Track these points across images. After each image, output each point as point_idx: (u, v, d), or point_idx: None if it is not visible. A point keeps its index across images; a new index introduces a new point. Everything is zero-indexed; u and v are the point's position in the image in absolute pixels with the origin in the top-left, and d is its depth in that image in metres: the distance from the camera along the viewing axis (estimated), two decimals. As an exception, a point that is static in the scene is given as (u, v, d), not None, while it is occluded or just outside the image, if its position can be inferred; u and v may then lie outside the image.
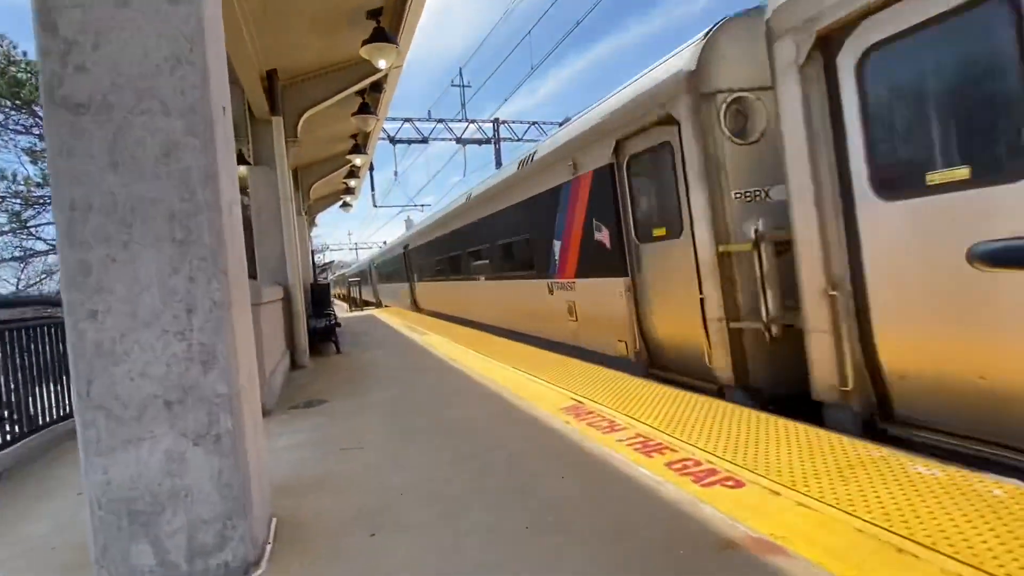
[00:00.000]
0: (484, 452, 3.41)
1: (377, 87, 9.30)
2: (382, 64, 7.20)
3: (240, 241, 2.46)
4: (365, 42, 6.74)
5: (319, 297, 11.88)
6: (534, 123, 31.53)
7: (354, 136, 12.28)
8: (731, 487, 2.60)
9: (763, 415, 3.59)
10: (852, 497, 2.37)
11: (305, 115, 8.16)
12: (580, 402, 4.38)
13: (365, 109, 9.62)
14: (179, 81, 2.11)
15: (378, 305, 27.16)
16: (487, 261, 10.85)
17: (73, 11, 2.02)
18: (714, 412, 3.76)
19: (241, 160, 9.24)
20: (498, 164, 32.11)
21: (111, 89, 2.06)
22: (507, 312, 9.96)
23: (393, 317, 16.23)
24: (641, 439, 3.36)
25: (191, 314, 2.13)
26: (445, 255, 14.25)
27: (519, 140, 32.21)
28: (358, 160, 12.70)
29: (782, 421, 3.44)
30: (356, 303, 23.19)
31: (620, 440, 3.37)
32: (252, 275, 11.68)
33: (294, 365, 7.72)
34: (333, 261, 67.00)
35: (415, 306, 19.72)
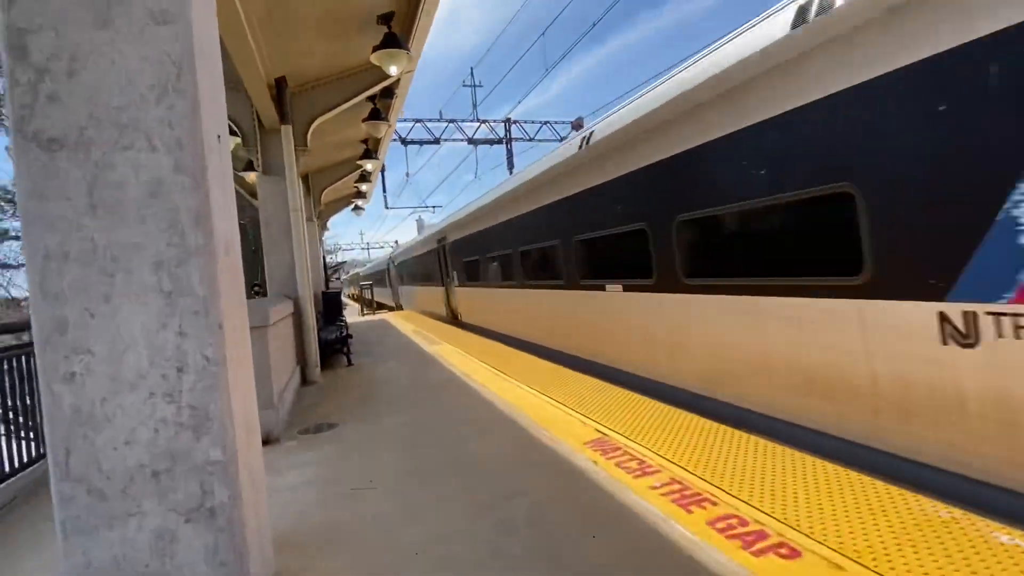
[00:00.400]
0: (504, 501, 3.15)
1: (388, 92, 9.08)
2: (393, 71, 6.96)
3: (240, 285, 2.22)
4: (376, 48, 6.50)
5: (330, 306, 11.71)
6: (546, 122, 31.20)
7: (365, 141, 12.08)
8: (785, 557, 2.31)
9: (819, 461, 3.28)
10: (930, 577, 2.07)
11: (315, 123, 7.95)
12: (605, 435, 4.10)
13: (376, 115, 9.41)
14: (166, 112, 1.87)
15: (396, 308, 26.38)
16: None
17: (45, 34, 1.78)
18: (755, 450, 3.46)
19: (249, 168, 9.06)
20: (510, 165, 31.86)
21: (89, 122, 1.82)
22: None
23: (405, 323, 16.03)
24: (677, 487, 3.08)
25: (181, 373, 1.89)
26: (514, 249, 9.50)
27: (531, 140, 31.94)
28: (369, 165, 12.50)
29: (841, 469, 3.13)
30: (370, 306, 22.96)
31: (654, 488, 3.09)
32: (261, 287, 11.51)
33: (304, 380, 7.52)
34: (345, 262, 67.24)
35: (453, 317, 15.21)
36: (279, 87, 7.41)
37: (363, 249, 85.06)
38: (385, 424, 5.12)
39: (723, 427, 3.99)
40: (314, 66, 7.61)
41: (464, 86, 31.82)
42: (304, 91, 8.01)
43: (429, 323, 15.46)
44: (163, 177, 1.87)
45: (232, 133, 7.81)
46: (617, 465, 3.48)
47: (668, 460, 3.47)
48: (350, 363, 8.85)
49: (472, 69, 33.15)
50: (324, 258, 17.21)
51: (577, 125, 33.59)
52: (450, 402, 5.73)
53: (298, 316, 7.47)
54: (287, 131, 7.43)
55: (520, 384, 6.13)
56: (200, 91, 1.91)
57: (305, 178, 13.59)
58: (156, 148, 1.86)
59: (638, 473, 3.32)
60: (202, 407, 1.90)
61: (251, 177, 9.18)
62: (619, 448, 3.79)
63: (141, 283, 1.86)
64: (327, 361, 8.92)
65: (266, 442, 4.71)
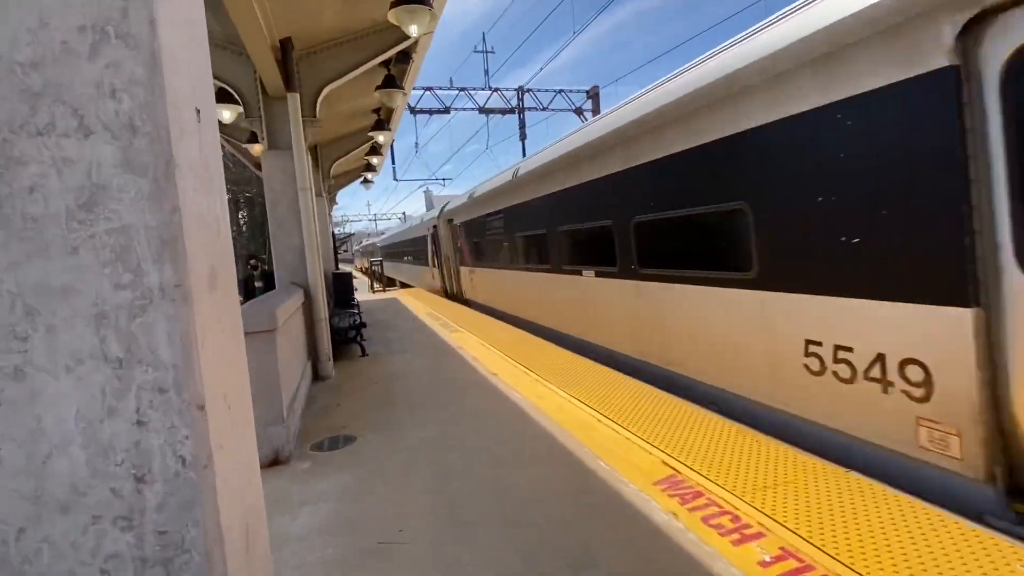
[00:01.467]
0: (569, 574, 2.51)
1: (405, 56, 8.23)
2: (413, 31, 6.13)
3: (237, 328, 1.54)
4: (393, 4, 5.67)
5: (342, 288, 11.07)
6: (560, 91, 29.98)
7: (377, 111, 11.24)
8: None
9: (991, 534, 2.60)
10: None
11: (324, 90, 7.14)
12: (676, 471, 3.45)
13: (391, 82, 8.58)
14: (104, 72, 1.16)
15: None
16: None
17: None
18: (905, 512, 2.79)
19: (253, 140, 8.29)
20: (522, 135, 30.75)
21: (-22, 88, 1.11)
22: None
23: (416, 302, 15.41)
24: (794, 563, 2.42)
25: (142, 484, 1.22)
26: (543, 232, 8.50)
27: (544, 109, 30.79)
28: (381, 137, 11.66)
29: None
30: (381, 281, 22.26)
31: (763, 563, 2.44)
32: (258, 265, 10.83)
33: (316, 376, 6.92)
34: (353, 234, 66.46)
35: (460, 298, 15.12)
36: (284, 50, 6.59)
37: (371, 220, 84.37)
38: (410, 440, 4.49)
39: (859, 477, 3.31)
40: (323, 26, 6.77)
41: (476, 52, 30.61)
42: (313, 55, 7.19)
43: (441, 303, 14.83)
44: (105, 179, 1.17)
45: (232, 100, 7.05)
46: (704, 522, 2.83)
47: (773, 519, 2.80)
48: (364, 353, 8.24)
49: (484, 34, 31.71)
50: (333, 234, 16.51)
51: (593, 94, 32.30)
52: (479, 409, 5.09)
53: (308, 306, 6.82)
54: (294, 99, 6.65)
55: (555, 388, 5.48)
56: (161, 37, 1.19)
57: (314, 150, 12.81)
58: (91, 131, 1.16)
59: (736, 538, 2.66)
60: (176, 533, 1.25)
61: (256, 149, 8.43)
62: (699, 492, 3.14)
63: (74, 347, 1.18)
64: (340, 351, 8.32)
65: (275, 463, 4.11)
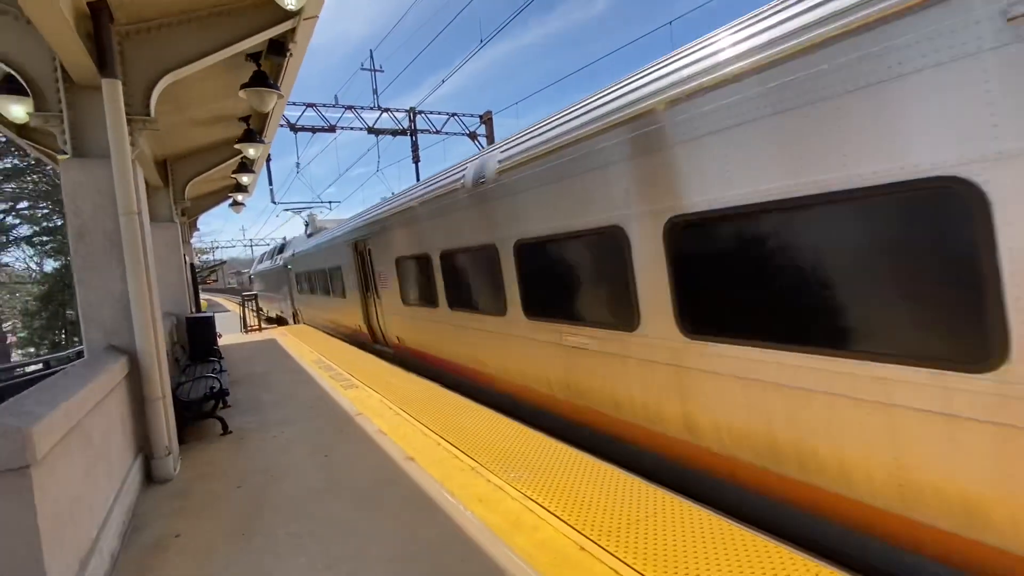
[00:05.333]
0: None
1: (279, 48, 6.50)
2: (292, 3, 4.54)
3: None
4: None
5: (201, 337, 8.75)
6: (453, 114, 29.27)
7: (246, 119, 9.22)
8: None
9: None
10: None
11: (163, 81, 5.21)
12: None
13: (261, 79, 6.78)
14: None
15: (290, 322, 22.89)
16: None
17: None
18: None
19: (45, 147, 6.11)
20: (415, 157, 29.29)
21: None
22: None
23: (301, 345, 13.14)
24: None
25: None
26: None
27: (437, 132, 29.83)
28: (252, 150, 9.57)
29: None
30: (266, 319, 19.12)
31: None
32: (67, 343, 8.18)
33: (150, 478, 4.84)
34: (224, 261, 59.80)
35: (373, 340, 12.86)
36: (98, 20, 4.65)
37: (245, 246, 77.23)
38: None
39: None
40: (160, -9, 4.93)
41: (363, 69, 28.89)
42: (146, 32, 5.25)
43: (331, 345, 12.74)
44: None
45: (14, 89, 4.91)
46: None
47: None
48: (226, 430, 6.19)
49: (372, 52, 29.93)
50: (192, 268, 13.73)
51: (487, 119, 31.84)
52: (401, 533, 3.50)
53: (135, 381, 4.77)
54: (113, 88, 4.68)
55: (503, 484, 4.04)
56: None
57: (163, 165, 10.36)
58: None
59: None
60: None
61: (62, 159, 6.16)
62: None
63: None
64: (192, 427, 6.19)
65: None
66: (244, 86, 6.72)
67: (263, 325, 18.71)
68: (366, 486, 4.35)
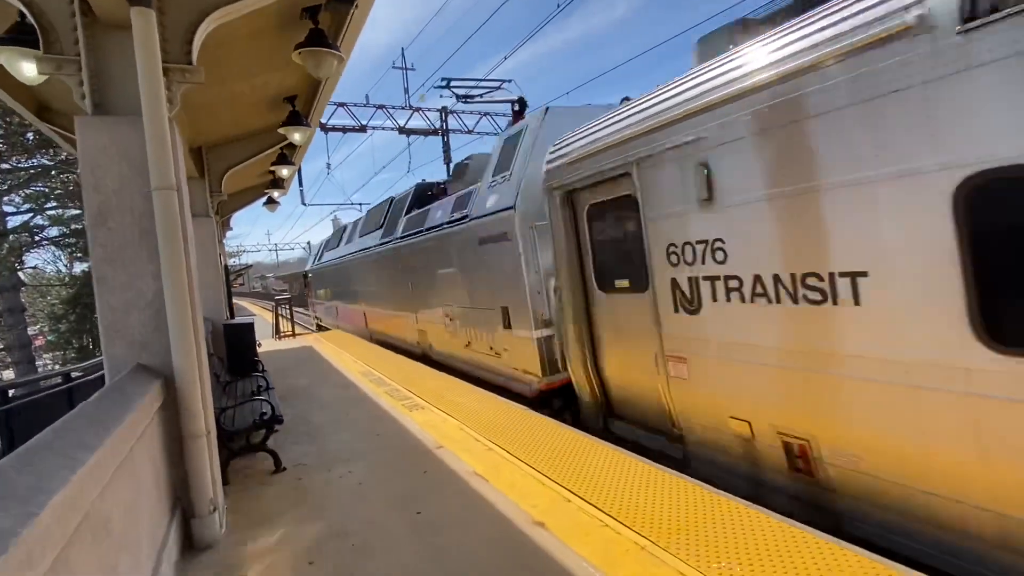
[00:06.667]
0: None
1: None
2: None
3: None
4: None
5: (238, 346, 7.59)
6: (486, 114, 28.23)
7: (291, 100, 8.10)
8: None
9: None
10: None
11: (208, 19, 4.01)
12: None
13: (318, 39, 5.62)
14: None
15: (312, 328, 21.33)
16: None
17: None
18: None
19: (66, 132, 5.12)
20: (447, 158, 28.30)
21: None
22: None
23: (340, 352, 11.98)
24: None
25: None
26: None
27: (469, 132, 28.85)
28: (297, 135, 8.44)
29: None
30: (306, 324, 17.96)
31: None
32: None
33: (190, 544, 3.62)
34: (251, 265, 59.46)
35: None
36: (128, -68, 3.48)
37: (271, 251, 77.25)
38: None
39: None
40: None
41: (394, 68, 28.03)
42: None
43: (372, 352, 11.55)
44: None
45: (16, 29, 3.79)
46: None
47: None
48: (279, 467, 4.97)
49: (403, 50, 28.99)
50: (227, 270, 12.70)
51: (518, 109, 30.71)
52: None
53: (171, 413, 3.56)
54: (144, 21, 3.51)
55: (662, 552, 2.72)
56: None
57: (198, 153, 9.30)
58: None
59: None
60: None
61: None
62: None
63: None
64: (235, 467, 4.99)
65: None
66: (299, 46, 5.56)
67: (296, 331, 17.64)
68: (489, 570, 3.06)
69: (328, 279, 20.40)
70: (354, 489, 4.39)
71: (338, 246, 18.44)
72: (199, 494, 3.60)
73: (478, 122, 28.12)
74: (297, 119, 8.11)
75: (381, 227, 13.72)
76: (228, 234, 19.92)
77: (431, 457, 4.92)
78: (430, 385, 7.88)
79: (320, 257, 21.95)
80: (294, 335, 16.77)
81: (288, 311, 17.58)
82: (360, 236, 15.67)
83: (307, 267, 26.66)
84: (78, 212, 20.94)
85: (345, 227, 18.97)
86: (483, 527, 3.56)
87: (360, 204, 33.02)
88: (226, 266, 13.02)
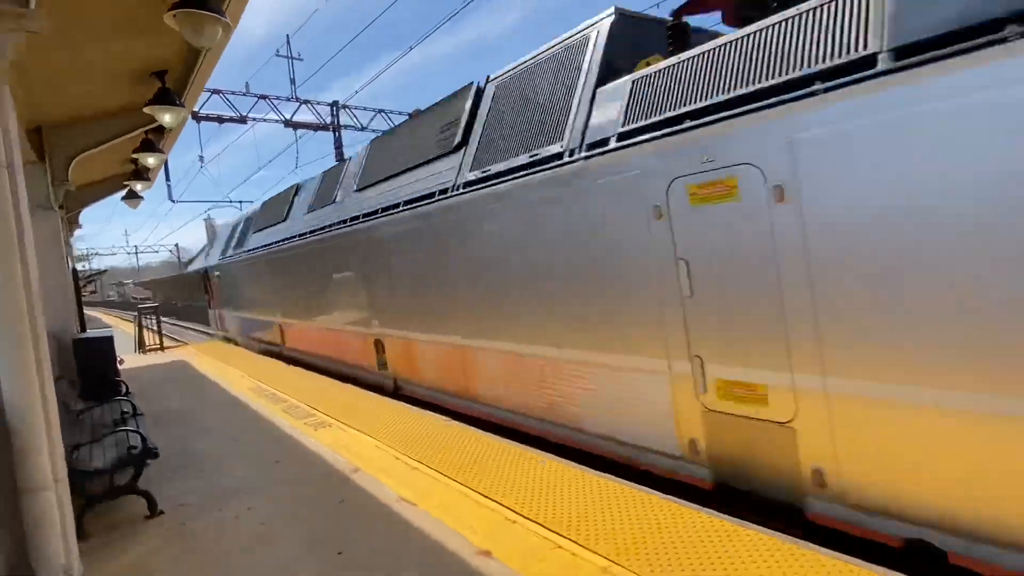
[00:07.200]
0: None
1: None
2: None
3: None
4: None
5: (95, 364, 6.31)
6: (380, 111, 27.43)
7: (161, 75, 6.94)
8: None
9: None
10: None
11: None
12: None
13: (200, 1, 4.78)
14: None
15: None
16: None
17: None
18: None
19: None
20: (339, 154, 26.87)
21: None
22: None
23: (225, 368, 10.64)
24: None
25: None
26: None
27: (363, 129, 27.87)
28: (168, 116, 7.24)
29: None
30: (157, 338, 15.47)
31: None
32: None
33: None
34: (105, 270, 52.02)
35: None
36: None
37: (129, 254, 68.56)
38: None
39: None
40: None
41: (278, 56, 26.06)
42: None
43: (258, 364, 10.41)
44: None
45: None
46: None
47: None
48: (154, 511, 4.08)
49: (288, 37, 27.21)
50: (75, 273, 10.77)
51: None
52: None
53: (1, 464, 2.70)
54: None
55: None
56: None
57: (36, 132, 7.72)
58: None
59: None
60: None
61: None
62: None
63: None
64: (99, 512, 4.03)
65: None
66: (174, 7, 4.69)
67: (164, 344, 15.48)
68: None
69: (257, 279, 13.41)
70: (255, 531, 3.69)
71: (280, 223, 12.15)
72: (45, 562, 2.77)
73: (372, 119, 27.17)
74: (168, 97, 6.98)
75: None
76: (77, 233, 17.09)
77: (347, 484, 4.32)
78: (333, 397, 7.14)
79: (240, 243, 14.88)
80: (162, 348, 14.73)
81: (155, 321, 15.42)
82: (322, 206, 10.02)
83: (211, 261, 18.98)
84: None
85: (291, 196, 12.23)
86: (419, 562, 3.10)
87: (240, 202, 30.24)
88: (75, 270, 11.08)
